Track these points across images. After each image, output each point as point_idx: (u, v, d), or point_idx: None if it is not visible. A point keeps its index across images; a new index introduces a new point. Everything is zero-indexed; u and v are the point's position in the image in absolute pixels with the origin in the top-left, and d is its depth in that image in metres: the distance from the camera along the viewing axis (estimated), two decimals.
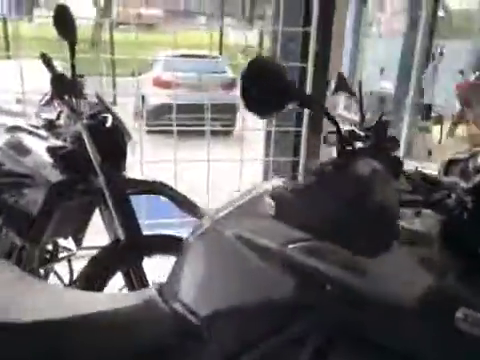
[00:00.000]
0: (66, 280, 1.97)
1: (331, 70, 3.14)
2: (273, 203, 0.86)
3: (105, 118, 1.71)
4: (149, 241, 1.81)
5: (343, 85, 1.36)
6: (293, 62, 2.90)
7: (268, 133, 3.15)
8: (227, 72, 7.64)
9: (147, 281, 1.76)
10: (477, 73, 7.50)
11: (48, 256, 1.86)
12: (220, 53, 12.22)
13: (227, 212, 0.96)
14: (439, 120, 6.41)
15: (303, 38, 2.87)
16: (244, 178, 3.00)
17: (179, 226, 2.99)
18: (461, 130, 7.45)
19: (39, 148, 1.76)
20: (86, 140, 1.69)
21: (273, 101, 0.78)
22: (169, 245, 1.85)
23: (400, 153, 5.75)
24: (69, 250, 1.96)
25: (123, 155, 1.78)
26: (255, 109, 0.79)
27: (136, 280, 1.75)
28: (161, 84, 7.09)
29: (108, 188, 1.71)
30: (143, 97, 8.08)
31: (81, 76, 1.68)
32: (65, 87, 1.63)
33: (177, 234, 1.88)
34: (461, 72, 7.45)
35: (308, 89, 2.90)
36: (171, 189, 1.92)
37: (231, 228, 0.91)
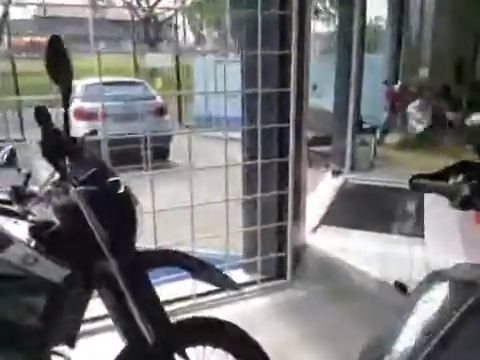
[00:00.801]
0: None
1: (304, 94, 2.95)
2: None
3: (108, 183, 1.27)
4: (185, 333, 1.40)
5: None
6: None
7: (248, 167, 2.83)
8: (156, 98, 7.18)
9: None
10: (399, 83, 7.97)
11: None
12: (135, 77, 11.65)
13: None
14: (372, 131, 6.59)
15: (279, 62, 2.63)
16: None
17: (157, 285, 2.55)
18: (389, 138, 7.81)
19: (18, 231, 1.27)
20: (86, 214, 1.24)
21: None
22: (210, 334, 1.45)
23: (346, 168, 5.75)
24: (61, 355, 1.46)
25: (134, 227, 1.35)
26: None
27: None
28: (84, 116, 6.41)
29: (122, 274, 1.28)
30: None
31: (94, 132, 1.24)
32: (62, 148, 1.18)
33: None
34: (385, 82, 7.85)
35: (291, 112, 2.64)
36: (189, 257, 1.52)
37: None
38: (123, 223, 1.31)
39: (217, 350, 1.50)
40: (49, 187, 1.35)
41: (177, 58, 10.96)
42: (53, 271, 1.19)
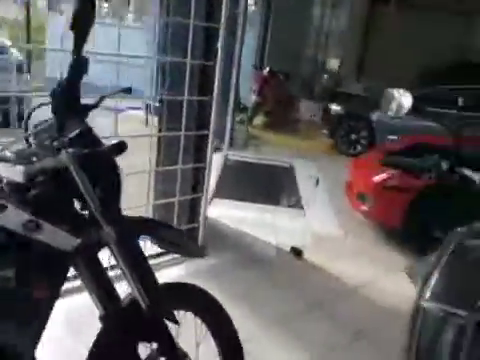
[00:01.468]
0: None
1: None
2: None
3: (112, 145, 1.19)
4: (173, 297, 1.40)
5: None
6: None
7: (166, 138, 2.80)
8: (9, 51, 6.16)
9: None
10: (268, 68, 8.47)
11: None
12: None
13: None
14: (246, 111, 6.96)
15: (205, 34, 2.65)
16: None
17: None
18: (257, 119, 8.33)
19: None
20: (78, 178, 1.16)
21: None
22: (192, 301, 1.48)
23: (225, 145, 5.96)
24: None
25: (120, 192, 1.30)
26: None
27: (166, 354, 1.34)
28: None
29: (117, 240, 1.24)
30: None
31: (128, 90, 1.11)
32: (72, 105, 1.05)
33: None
34: (254, 66, 8.25)
35: (216, 85, 2.70)
36: (166, 226, 1.52)
37: None
38: (113, 188, 1.25)
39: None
40: (24, 145, 1.22)
41: (28, 9, 9.72)
42: (62, 238, 1.09)
